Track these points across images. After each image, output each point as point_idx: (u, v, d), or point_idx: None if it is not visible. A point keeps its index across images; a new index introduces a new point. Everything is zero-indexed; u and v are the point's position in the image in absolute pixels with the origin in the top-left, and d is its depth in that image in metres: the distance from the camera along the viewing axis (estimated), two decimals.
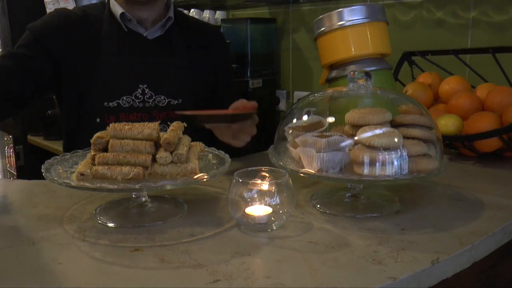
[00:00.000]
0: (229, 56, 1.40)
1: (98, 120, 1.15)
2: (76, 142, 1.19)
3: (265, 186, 0.74)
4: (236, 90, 1.42)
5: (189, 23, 1.30)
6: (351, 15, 1.09)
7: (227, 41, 1.65)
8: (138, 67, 1.17)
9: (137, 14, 1.19)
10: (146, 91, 1.17)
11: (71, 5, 2.20)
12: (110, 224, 0.78)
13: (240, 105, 1.01)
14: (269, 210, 0.74)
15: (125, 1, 1.17)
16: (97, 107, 1.15)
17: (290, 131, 0.89)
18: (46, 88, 1.19)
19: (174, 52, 1.22)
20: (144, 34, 1.20)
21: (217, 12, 2.75)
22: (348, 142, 0.80)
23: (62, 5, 2.31)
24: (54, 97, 2.46)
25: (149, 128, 0.81)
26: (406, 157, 0.78)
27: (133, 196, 0.85)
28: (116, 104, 1.15)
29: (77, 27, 1.17)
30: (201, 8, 2.73)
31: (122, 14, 1.17)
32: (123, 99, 1.15)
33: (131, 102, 1.15)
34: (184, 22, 1.28)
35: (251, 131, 1.03)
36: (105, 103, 1.14)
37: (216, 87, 1.30)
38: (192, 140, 0.89)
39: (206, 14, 2.72)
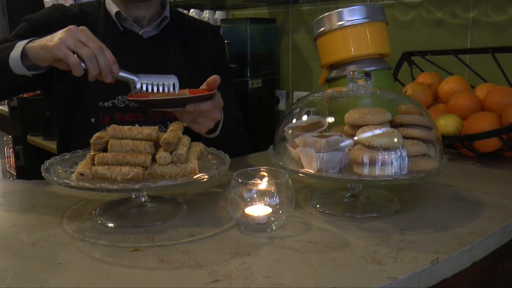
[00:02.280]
0: (225, 54, 1.38)
1: (93, 120, 1.14)
2: (71, 142, 1.19)
3: (264, 186, 0.74)
4: (233, 88, 1.41)
5: (185, 22, 1.30)
6: (351, 15, 1.09)
7: (226, 41, 1.65)
8: (133, 66, 1.16)
9: (134, 13, 1.18)
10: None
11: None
12: (110, 224, 0.78)
13: (204, 85, 0.97)
14: (268, 210, 0.74)
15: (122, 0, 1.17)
16: (91, 107, 1.14)
17: (289, 131, 0.89)
18: (35, 82, 1.17)
19: (169, 51, 1.22)
20: (140, 33, 1.19)
21: (217, 12, 2.75)
22: (347, 142, 0.81)
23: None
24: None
25: (149, 128, 0.81)
26: (406, 157, 0.78)
27: (133, 196, 0.85)
28: (111, 104, 1.14)
29: (74, 24, 1.17)
30: (201, 8, 2.74)
31: (117, 13, 1.16)
32: (118, 99, 1.14)
33: (127, 102, 1.15)
34: (180, 21, 1.28)
35: (212, 115, 0.95)
36: (100, 103, 1.14)
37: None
38: (192, 140, 0.89)
39: (206, 14, 2.72)
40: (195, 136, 0.95)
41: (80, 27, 0.89)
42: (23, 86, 1.15)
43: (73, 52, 0.86)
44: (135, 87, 0.93)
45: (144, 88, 0.93)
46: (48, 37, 0.89)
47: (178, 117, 0.98)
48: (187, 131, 0.89)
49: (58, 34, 0.88)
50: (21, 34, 1.13)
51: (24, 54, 0.91)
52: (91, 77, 0.89)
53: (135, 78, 0.93)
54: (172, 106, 0.93)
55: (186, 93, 0.96)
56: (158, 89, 0.94)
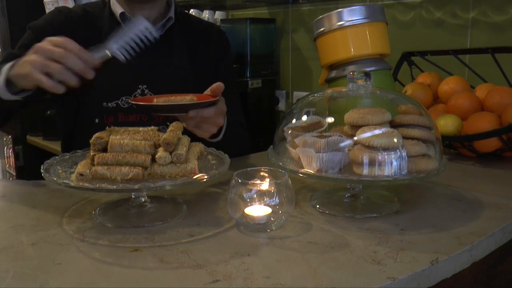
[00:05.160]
0: (230, 56, 1.38)
1: (96, 120, 1.14)
2: (74, 142, 1.19)
3: (264, 186, 0.74)
4: (237, 91, 1.41)
5: (191, 23, 1.29)
6: (351, 15, 1.10)
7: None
8: (137, 67, 1.17)
9: (138, 13, 1.18)
10: (145, 92, 1.16)
11: (70, 5, 2.20)
12: (110, 225, 0.78)
13: (208, 91, 0.97)
14: (268, 210, 0.74)
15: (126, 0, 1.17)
16: (95, 108, 1.14)
17: (289, 131, 0.89)
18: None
19: (174, 52, 1.21)
20: None
21: (217, 12, 2.74)
22: (347, 142, 0.81)
23: (61, 4, 2.31)
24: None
25: (149, 128, 0.81)
26: (406, 157, 0.78)
27: (133, 196, 0.85)
28: (115, 104, 1.14)
29: (78, 26, 1.17)
30: (201, 8, 2.73)
31: (122, 14, 1.16)
32: (122, 100, 1.15)
33: (130, 103, 1.15)
34: (186, 22, 1.28)
35: (215, 121, 0.96)
36: (104, 104, 1.14)
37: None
38: (192, 141, 0.89)
39: (206, 14, 2.72)
40: (195, 137, 0.95)
41: (45, 40, 0.87)
42: (33, 97, 1.16)
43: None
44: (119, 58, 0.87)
45: (122, 54, 0.87)
46: (20, 62, 0.88)
47: (182, 121, 0.98)
48: (187, 131, 0.89)
49: (27, 57, 0.86)
50: (26, 44, 1.13)
51: (9, 80, 0.91)
52: (75, 85, 0.86)
53: (107, 52, 0.88)
54: (175, 111, 0.93)
55: (187, 98, 0.95)
56: (135, 46, 0.88)
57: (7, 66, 0.91)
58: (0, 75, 0.91)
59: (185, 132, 0.88)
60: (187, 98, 0.94)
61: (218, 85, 0.94)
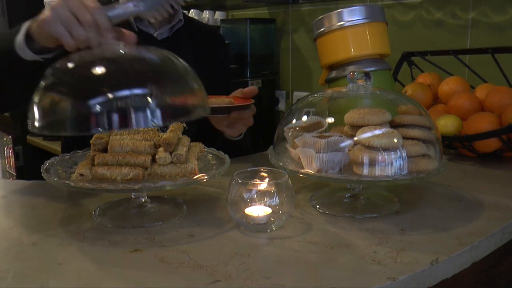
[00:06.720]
0: (229, 58, 1.44)
1: None
2: (77, 141, 1.19)
3: (264, 186, 0.74)
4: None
5: (195, 26, 1.32)
6: (351, 16, 1.10)
7: (226, 41, 1.67)
8: None
9: None
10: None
11: None
12: (110, 225, 0.78)
13: (239, 93, 1.02)
14: (268, 210, 0.74)
15: None
16: None
17: (289, 132, 0.89)
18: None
19: (180, 54, 1.22)
20: (154, 35, 1.20)
21: (217, 12, 2.75)
22: (347, 142, 0.81)
23: None
24: None
25: (149, 128, 0.81)
26: (406, 157, 0.78)
27: (133, 196, 0.85)
28: None
29: None
30: (201, 8, 2.73)
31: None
32: None
33: None
34: (191, 24, 1.30)
35: (247, 121, 1.04)
36: None
37: (219, 89, 1.31)
38: (192, 141, 0.89)
39: (206, 15, 2.72)
40: (194, 137, 0.96)
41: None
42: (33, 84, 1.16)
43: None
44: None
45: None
46: (40, 16, 0.78)
47: (213, 122, 1.04)
48: (186, 131, 0.89)
49: (53, 3, 0.76)
50: None
51: (29, 35, 0.80)
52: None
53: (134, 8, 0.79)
54: (219, 113, 1.00)
55: (225, 100, 1.02)
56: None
57: (27, 23, 0.82)
58: (19, 32, 0.81)
59: (185, 132, 0.88)
60: (226, 101, 1.02)
61: (252, 89, 1.01)
